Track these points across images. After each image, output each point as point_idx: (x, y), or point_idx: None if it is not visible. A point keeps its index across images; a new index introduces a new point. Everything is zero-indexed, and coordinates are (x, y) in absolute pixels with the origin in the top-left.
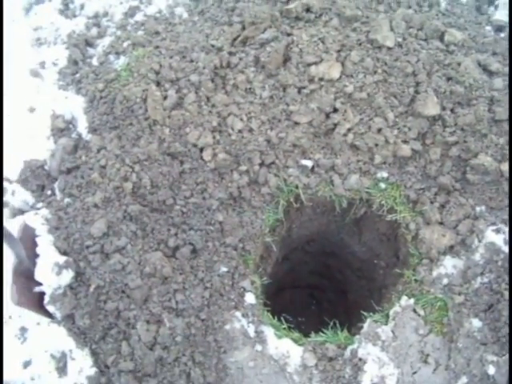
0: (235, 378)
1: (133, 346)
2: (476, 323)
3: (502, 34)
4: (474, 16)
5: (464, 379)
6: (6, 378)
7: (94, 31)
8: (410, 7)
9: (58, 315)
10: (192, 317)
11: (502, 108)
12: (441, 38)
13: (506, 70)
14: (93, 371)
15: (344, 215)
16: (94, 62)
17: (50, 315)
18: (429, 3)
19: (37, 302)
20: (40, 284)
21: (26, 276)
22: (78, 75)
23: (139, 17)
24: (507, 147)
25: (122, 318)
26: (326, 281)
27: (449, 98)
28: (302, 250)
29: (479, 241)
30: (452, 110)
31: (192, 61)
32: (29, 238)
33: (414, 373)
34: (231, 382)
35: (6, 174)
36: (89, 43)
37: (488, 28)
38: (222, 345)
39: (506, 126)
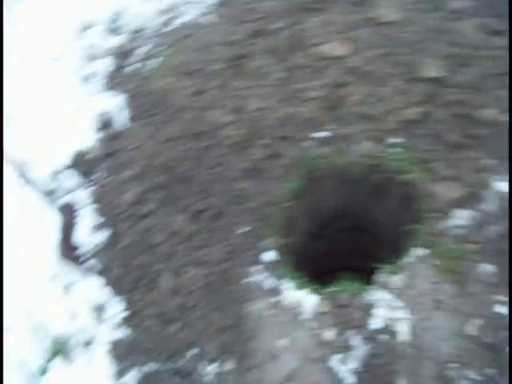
0: (253, 324)
1: (159, 294)
2: (488, 268)
3: None
4: None
5: (476, 321)
6: (59, 331)
7: (135, 43)
8: None
9: (96, 269)
10: (213, 267)
11: (502, 62)
12: (443, 7)
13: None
14: (126, 314)
15: (362, 184)
16: (135, 66)
17: (86, 269)
18: None
19: (76, 261)
20: (78, 248)
21: (69, 240)
22: (121, 79)
23: (174, 25)
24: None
25: (149, 269)
26: (357, 256)
27: (450, 60)
28: (336, 226)
29: (488, 190)
30: (453, 71)
31: (213, 53)
32: (71, 212)
33: (427, 319)
34: (249, 329)
35: (61, 160)
36: (129, 53)
37: None
38: (242, 294)
39: (507, 79)
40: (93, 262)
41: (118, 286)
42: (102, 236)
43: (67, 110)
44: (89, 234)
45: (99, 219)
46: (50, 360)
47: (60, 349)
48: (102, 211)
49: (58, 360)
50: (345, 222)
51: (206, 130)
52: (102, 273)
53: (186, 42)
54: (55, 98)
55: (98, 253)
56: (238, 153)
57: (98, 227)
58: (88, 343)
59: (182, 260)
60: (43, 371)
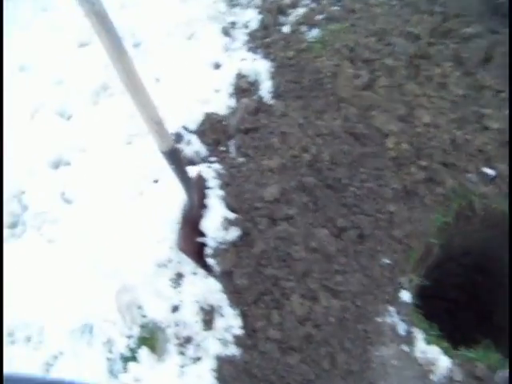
0: (377, 372)
1: (284, 317)
2: None
3: None
4: None
5: None
6: (154, 317)
7: (288, 0)
8: None
9: (217, 270)
10: (348, 301)
11: None
12: None
13: None
14: (241, 332)
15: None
16: (285, 29)
17: (206, 268)
18: None
19: (197, 252)
20: (203, 235)
21: (191, 224)
22: (267, 40)
23: None
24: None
25: (278, 286)
26: (472, 298)
27: None
28: (456, 261)
29: None
30: None
31: (389, 44)
32: (201, 188)
33: None
34: (372, 376)
35: (185, 122)
36: (281, 11)
37: None
38: (370, 336)
39: None
40: (213, 261)
41: (237, 296)
42: (231, 234)
43: (201, 60)
44: (215, 227)
45: (227, 212)
46: (136, 347)
47: (150, 337)
48: (230, 200)
49: (145, 350)
50: (474, 262)
51: (368, 135)
52: (221, 276)
53: (355, 21)
54: (189, 42)
55: (222, 252)
56: (394, 169)
57: (227, 222)
58: (186, 342)
59: (317, 283)
60: (127, 358)
